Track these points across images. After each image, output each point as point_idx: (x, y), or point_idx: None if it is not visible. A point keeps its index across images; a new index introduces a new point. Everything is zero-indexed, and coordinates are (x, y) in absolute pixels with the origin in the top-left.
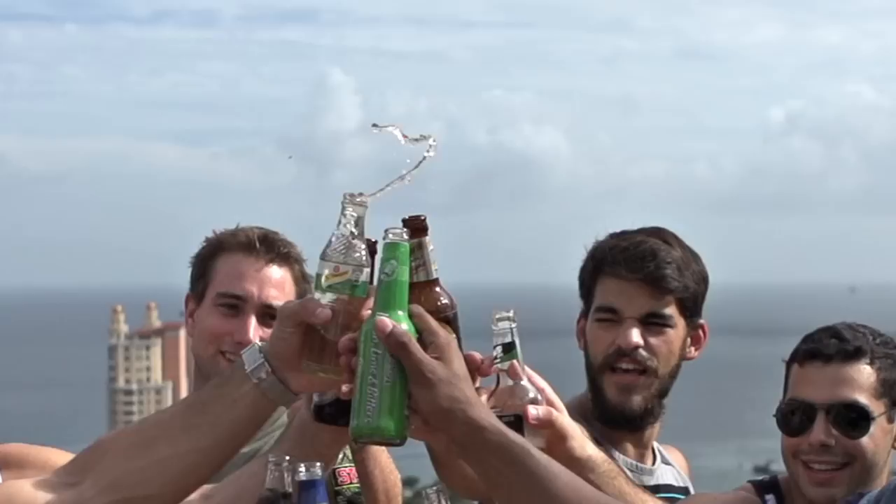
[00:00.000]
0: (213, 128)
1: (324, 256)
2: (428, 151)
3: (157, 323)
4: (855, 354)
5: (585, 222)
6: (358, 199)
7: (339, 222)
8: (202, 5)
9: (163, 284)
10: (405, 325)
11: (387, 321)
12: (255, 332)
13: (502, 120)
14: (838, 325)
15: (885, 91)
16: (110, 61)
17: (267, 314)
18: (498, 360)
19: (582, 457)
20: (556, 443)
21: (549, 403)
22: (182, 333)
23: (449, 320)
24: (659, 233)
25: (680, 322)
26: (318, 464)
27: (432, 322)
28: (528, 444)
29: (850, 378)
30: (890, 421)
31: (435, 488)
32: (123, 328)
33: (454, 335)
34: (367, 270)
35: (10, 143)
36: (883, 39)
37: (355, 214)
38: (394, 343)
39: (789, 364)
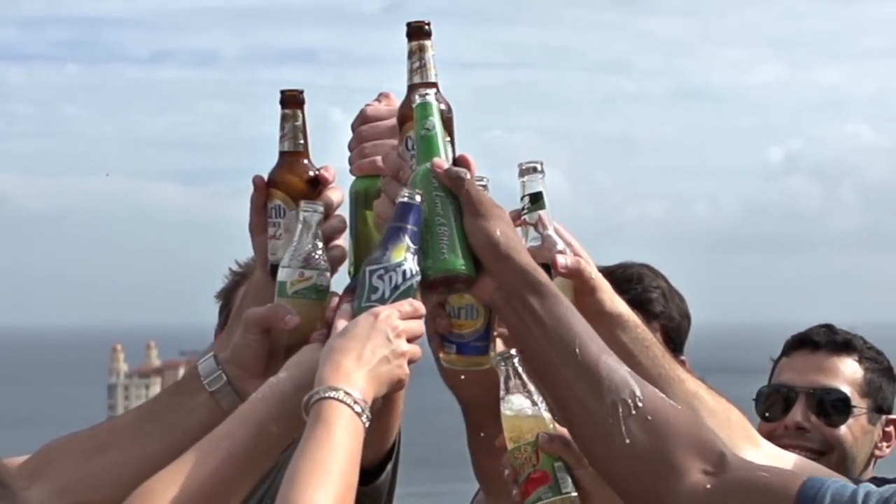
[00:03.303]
0: (213, 167)
1: (286, 264)
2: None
3: (156, 362)
4: (844, 347)
5: None
6: (315, 206)
7: (298, 229)
8: (202, 45)
9: (163, 324)
10: None
11: (441, 160)
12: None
13: (502, 160)
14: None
15: (883, 131)
16: (111, 101)
17: None
18: (525, 212)
19: (613, 311)
20: (585, 294)
21: (577, 255)
22: (181, 372)
23: (445, 123)
24: (645, 265)
25: None
26: (418, 191)
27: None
28: (570, 304)
29: (835, 368)
30: (871, 423)
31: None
32: (123, 367)
33: (450, 138)
34: (328, 274)
35: (10, 182)
36: (881, 80)
37: (313, 220)
38: (453, 177)
39: (777, 359)
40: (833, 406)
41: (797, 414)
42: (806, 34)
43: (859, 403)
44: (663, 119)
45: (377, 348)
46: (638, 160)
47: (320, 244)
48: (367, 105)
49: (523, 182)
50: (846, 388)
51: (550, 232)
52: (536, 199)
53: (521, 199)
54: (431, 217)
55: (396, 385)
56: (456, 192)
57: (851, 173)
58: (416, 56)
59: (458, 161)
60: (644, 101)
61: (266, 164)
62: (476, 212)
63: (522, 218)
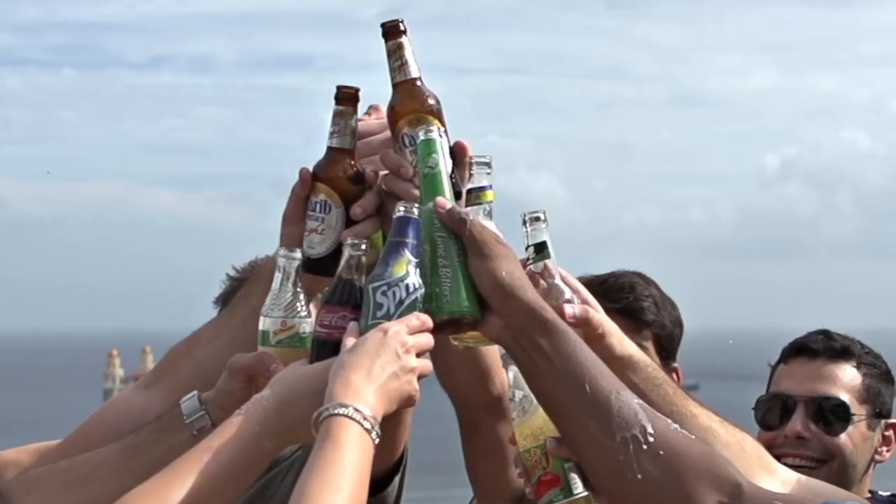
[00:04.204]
0: (210, 172)
1: (266, 313)
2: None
3: (152, 367)
4: (842, 353)
5: (580, 268)
6: (293, 254)
7: (278, 278)
8: (199, 51)
9: (159, 329)
10: None
11: (445, 200)
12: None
13: (498, 165)
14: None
15: (879, 138)
16: (107, 106)
17: None
18: (531, 262)
19: (623, 355)
20: (593, 341)
21: (585, 303)
22: None
23: (434, 113)
24: (637, 273)
25: (655, 359)
26: (416, 205)
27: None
28: (580, 339)
29: (834, 375)
30: (870, 429)
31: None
32: (119, 372)
33: (444, 127)
34: (311, 321)
35: (7, 187)
36: (877, 87)
37: (292, 268)
38: (456, 218)
39: (775, 366)
40: (832, 414)
41: (797, 423)
42: (802, 41)
43: (858, 410)
44: (659, 125)
45: (387, 364)
46: (634, 166)
47: (301, 291)
48: (358, 120)
49: (527, 232)
50: (845, 396)
51: (557, 281)
52: (541, 249)
53: (526, 248)
54: (434, 259)
55: (406, 401)
56: (459, 233)
57: (847, 180)
58: (396, 55)
59: (456, 147)
60: (640, 107)
61: (264, 169)
62: (480, 252)
63: (528, 268)
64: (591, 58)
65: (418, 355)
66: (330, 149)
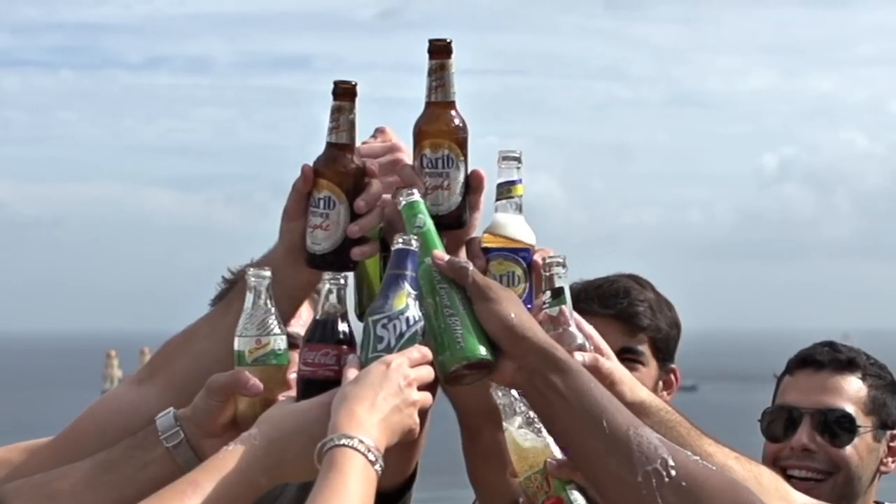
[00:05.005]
0: (208, 173)
1: (241, 333)
2: None
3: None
4: (847, 365)
5: (579, 269)
6: (263, 272)
7: (249, 297)
8: (196, 52)
9: (157, 329)
10: None
11: (441, 252)
12: None
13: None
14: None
15: (877, 139)
16: (105, 107)
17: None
18: (546, 306)
19: (634, 401)
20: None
21: (597, 350)
22: None
23: (461, 143)
24: (632, 276)
25: (652, 363)
26: (413, 236)
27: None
28: (593, 377)
29: (839, 387)
30: (876, 440)
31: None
32: (117, 373)
33: (464, 157)
34: (285, 337)
35: (5, 188)
36: (875, 88)
37: (262, 286)
38: (456, 267)
39: (781, 377)
40: (838, 426)
41: (803, 435)
42: (800, 41)
43: (864, 422)
44: (657, 126)
45: (389, 397)
46: (632, 167)
47: (272, 308)
48: (363, 143)
49: (548, 276)
50: (850, 408)
51: (571, 327)
52: (558, 294)
53: (542, 292)
54: (440, 310)
55: (407, 434)
56: (461, 282)
57: (845, 180)
58: (437, 74)
59: (472, 176)
60: (638, 107)
61: (262, 169)
62: (485, 297)
63: (544, 311)
64: (590, 58)
65: (419, 388)
66: (329, 144)
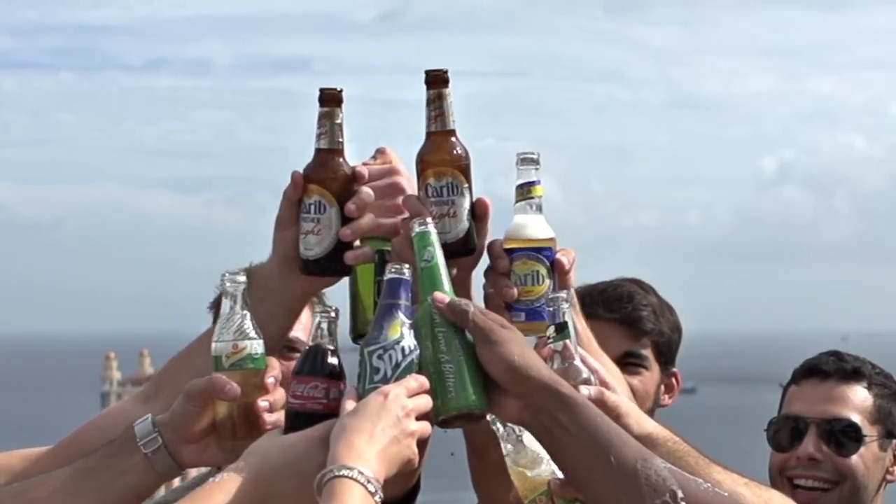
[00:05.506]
0: (207, 175)
1: (217, 338)
2: None
3: (149, 370)
4: (853, 375)
5: (578, 271)
6: (238, 277)
7: (226, 303)
8: (196, 54)
9: (156, 331)
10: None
11: (443, 294)
12: (279, 367)
13: (495, 168)
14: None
15: (876, 141)
16: (105, 109)
17: (286, 347)
18: (551, 340)
19: (641, 433)
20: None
21: (602, 384)
22: None
23: (463, 170)
24: (635, 281)
25: (655, 366)
26: (406, 265)
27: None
28: (599, 410)
29: (845, 397)
30: (882, 449)
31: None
32: (116, 375)
33: (468, 184)
34: (262, 341)
35: (4, 190)
36: (874, 90)
37: (238, 291)
38: (457, 311)
39: (787, 386)
40: (844, 435)
41: (809, 445)
42: (799, 44)
43: (870, 432)
44: (657, 128)
45: (387, 428)
46: (631, 169)
47: (248, 313)
48: (363, 164)
49: (552, 311)
50: (856, 417)
51: (576, 361)
52: (562, 329)
53: (548, 327)
54: (435, 357)
55: (406, 465)
56: (462, 325)
57: (844, 183)
58: (435, 104)
59: (477, 204)
60: (637, 110)
61: (262, 171)
62: (487, 339)
63: (548, 346)
64: (589, 61)
65: (418, 418)
66: (318, 150)
